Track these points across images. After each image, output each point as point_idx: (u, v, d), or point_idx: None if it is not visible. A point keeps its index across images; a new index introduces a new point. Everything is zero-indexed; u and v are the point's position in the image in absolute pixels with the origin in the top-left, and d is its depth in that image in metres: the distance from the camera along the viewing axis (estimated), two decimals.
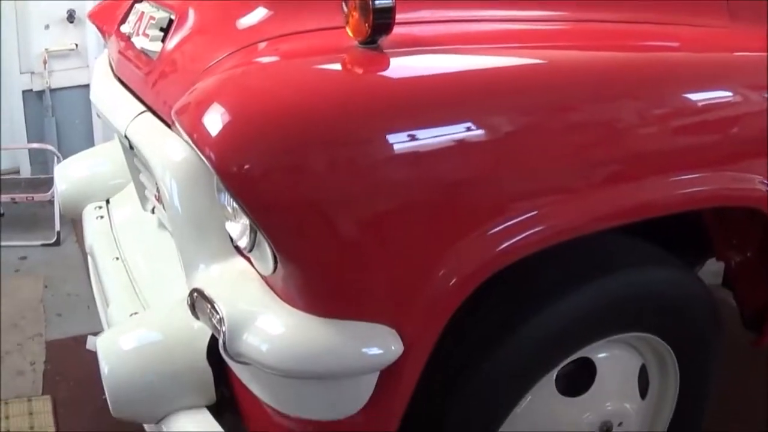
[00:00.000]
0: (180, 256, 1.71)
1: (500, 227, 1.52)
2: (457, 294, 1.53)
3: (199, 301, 1.57)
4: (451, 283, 1.51)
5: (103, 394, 1.72)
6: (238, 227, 1.56)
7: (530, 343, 1.69)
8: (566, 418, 1.85)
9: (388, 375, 1.55)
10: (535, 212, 1.54)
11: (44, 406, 2.71)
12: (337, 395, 1.56)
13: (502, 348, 1.68)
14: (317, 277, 1.47)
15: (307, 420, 1.60)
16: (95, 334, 2.93)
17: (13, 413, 2.65)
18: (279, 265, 1.47)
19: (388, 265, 1.48)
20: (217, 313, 1.50)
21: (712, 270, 2.24)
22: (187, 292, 1.62)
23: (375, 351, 1.50)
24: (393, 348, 1.51)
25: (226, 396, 1.77)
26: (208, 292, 1.55)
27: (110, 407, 1.72)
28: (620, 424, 1.92)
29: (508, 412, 1.77)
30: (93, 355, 2.94)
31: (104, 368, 1.70)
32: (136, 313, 1.97)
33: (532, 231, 1.54)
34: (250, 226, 1.50)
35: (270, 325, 1.49)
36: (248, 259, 1.63)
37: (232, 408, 1.78)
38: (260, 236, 1.48)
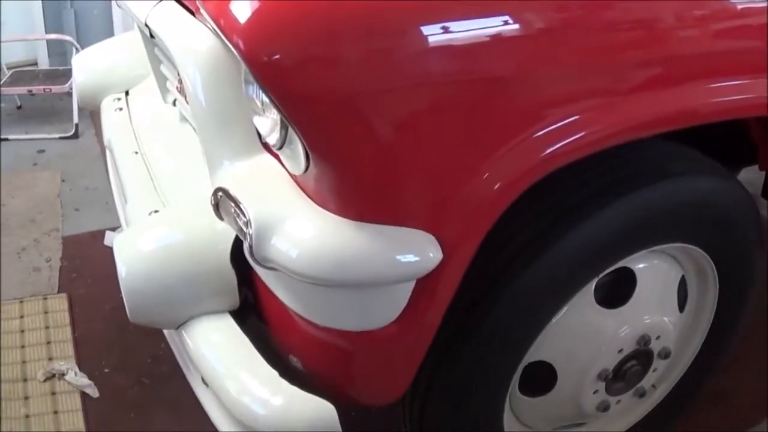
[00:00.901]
0: (203, 152, 1.56)
1: (543, 131, 1.39)
2: (501, 200, 1.40)
3: (223, 201, 1.43)
4: (495, 188, 1.38)
5: (121, 292, 1.60)
6: (268, 122, 1.41)
7: (571, 253, 1.56)
8: (603, 331, 1.73)
9: (425, 284, 1.42)
10: (577, 117, 1.41)
11: (60, 304, 2.59)
12: (370, 305, 1.43)
13: (541, 258, 1.54)
14: (352, 178, 1.33)
15: (338, 330, 1.47)
16: (113, 229, 2.85)
17: (28, 312, 2.55)
18: (311, 163, 1.32)
19: (428, 166, 1.34)
20: (243, 214, 1.36)
21: (744, 179, 2.10)
22: (211, 190, 1.47)
23: (412, 258, 1.37)
24: (431, 255, 1.38)
25: (250, 300, 1.64)
26: (233, 191, 1.41)
27: (127, 312, 1.59)
28: (658, 338, 1.80)
29: (545, 323, 1.64)
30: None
31: (121, 270, 1.57)
32: (156, 212, 1.82)
33: (574, 137, 1.41)
34: (281, 121, 1.34)
35: (300, 229, 1.35)
36: (277, 157, 1.48)
37: (257, 314, 1.65)
38: (291, 132, 1.33)
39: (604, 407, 1.81)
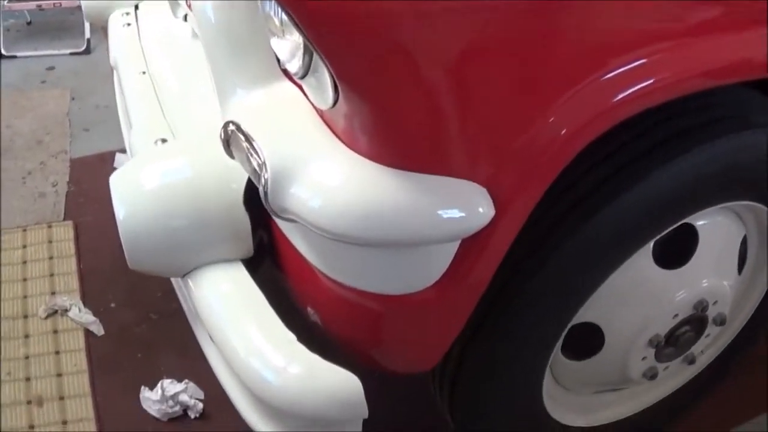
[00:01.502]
0: (213, 78, 1.32)
1: (611, 74, 1.16)
2: (567, 149, 1.17)
3: (235, 137, 1.21)
4: (561, 134, 1.14)
5: None
6: (288, 46, 1.17)
7: (636, 207, 1.34)
8: (660, 293, 1.51)
9: (473, 244, 1.20)
10: (645, 60, 1.17)
11: (65, 233, 2.38)
12: (406, 267, 1.22)
13: (604, 210, 1.32)
14: (390, 116, 1.09)
15: (367, 292, 1.25)
16: (124, 151, 2.60)
17: (31, 241, 2.34)
18: (340, 97, 1.08)
19: (483, 106, 1.11)
20: (258, 154, 1.14)
21: None
22: (221, 123, 1.24)
23: (458, 214, 1.15)
24: (481, 210, 1.15)
25: (266, 244, 1.41)
26: (246, 126, 1.18)
27: (126, 258, 1.38)
28: (715, 303, 1.58)
29: (600, 283, 1.42)
30: None
31: (119, 212, 1.36)
32: (162, 140, 1.59)
33: (643, 84, 1.18)
34: (304, 45, 1.10)
35: (325, 174, 1.13)
36: (300, 87, 1.24)
37: (273, 263, 1.43)
38: (317, 59, 1.09)
39: (651, 375, 1.61)
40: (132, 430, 1.92)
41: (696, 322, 1.58)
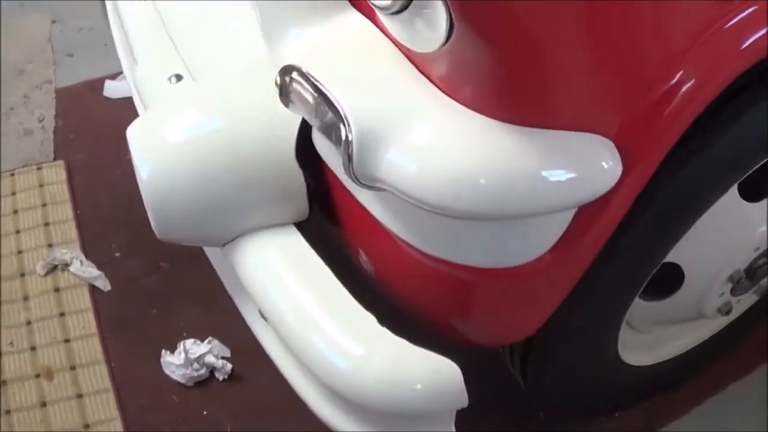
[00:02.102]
0: (257, 7, 1.03)
1: (734, 20, 0.92)
2: (698, 100, 0.93)
3: (297, 87, 0.92)
4: (692, 84, 0.90)
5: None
6: None
7: (743, 140, 1.12)
8: (745, 227, 1.32)
9: (593, 207, 0.95)
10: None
11: (57, 174, 2.08)
12: (515, 237, 0.97)
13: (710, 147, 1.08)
14: (514, 57, 0.82)
15: (463, 265, 1.00)
16: (114, 77, 2.31)
17: (20, 187, 2.04)
18: (453, 36, 0.80)
19: (616, 49, 0.86)
20: (337, 110, 0.85)
21: None
22: (273, 67, 0.96)
23: (588, 173, 0.90)
24: (608, 167, 0.91)
25: (321, 202, 1.16)
26: (315, 72, 0.89)
27: (154, 228, 1.11)
28: None
29: (695, 220, 1.20)
30: (112, 105, 2.34)
31: (142, 173, 1.09)
32: (177, 77, 1.30)
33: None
34: None
35: (430, 132, 0.85)
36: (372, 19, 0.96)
37: (330, 223, 1.17)
38: None
39: (726, 310, 1.43)
40: (156, 400, 1.68)
41: None
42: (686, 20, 0.90)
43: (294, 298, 1.07)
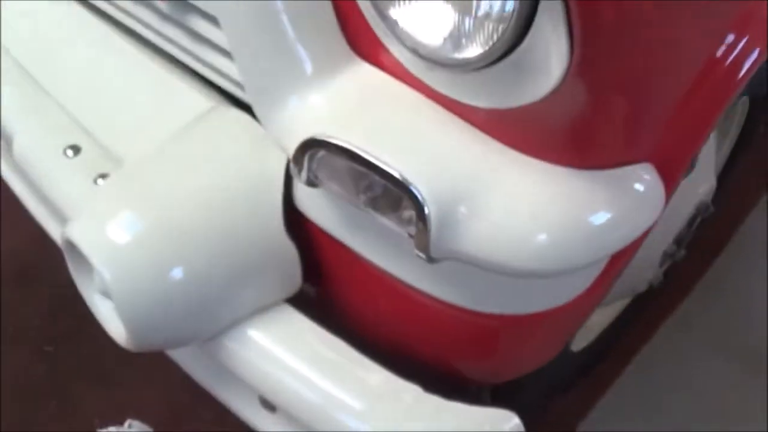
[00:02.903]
0: (244, 66, 0.88)
1: None
2: None
3: (330, 162, 0.80)
4: None
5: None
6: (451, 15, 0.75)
7: None
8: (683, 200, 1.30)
9: None
10: None
11: None
12: (560, 283, 0.90)
13: None
14: (622, 100, 0.75)
15: (496, 315, 0.92)
16: None
17: None
18: (567, 81, 0.70)
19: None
20: (401, 182, 0.74)
21: None
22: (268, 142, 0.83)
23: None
24: (658, 194, 0.86)
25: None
26: (356, 143, 0.77)
27: (128, 341, 0.95)
28: None
29: None
30: None
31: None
32: (73, 148, 1.12)
33: None
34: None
35: (513, 197, 0.76)
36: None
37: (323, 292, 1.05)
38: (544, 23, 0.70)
39: (657, 282, 1.46)
40: None
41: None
42: None
43: (320, 386, 0.94)
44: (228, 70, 0.97)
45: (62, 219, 1.10)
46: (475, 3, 0.71)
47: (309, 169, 0.84)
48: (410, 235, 0.80)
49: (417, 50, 0.77)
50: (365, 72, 0.86)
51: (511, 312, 0.93)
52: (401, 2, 0.76)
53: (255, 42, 0.87)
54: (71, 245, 0.97)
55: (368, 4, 0.79)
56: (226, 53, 0.95)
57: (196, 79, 1.13)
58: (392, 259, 0.92)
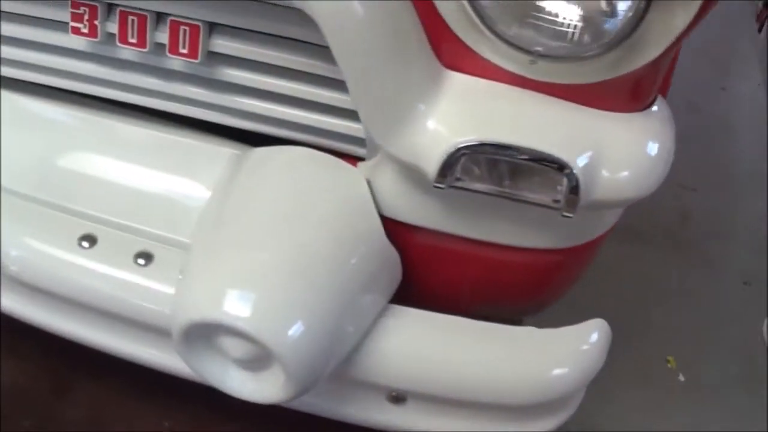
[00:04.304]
0: (358, 88, 0.94)
1: None
2: None
3: (479, 160, 0.93)
4: None
5: None
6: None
7: None
8: None
9: None
10: None
11: None
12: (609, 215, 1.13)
13: None
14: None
15: (561, 248, 1.11)
16: None
17: None
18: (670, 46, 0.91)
19: None
20: (551, 158, 0.91)
21: None
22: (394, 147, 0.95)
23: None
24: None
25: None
26: (495, 138, 0.91)
27: (280, 397, 0.99)
28: None
29: None
30: None
31: (281, 350, 0.95)
32: (87, 238, 1.11)
33: None
34: None
35: (621, 145, 0.97)
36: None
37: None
38: None
39: None
40: None
41: None
42: None
43: (467, 359, 1.07)
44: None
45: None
46: (602, 2, 0.87)
47: (460, 173, 0.94)
48: (555, 202, 0.95)
49: (531, 48, 0.91)
50: (461, 80, 0.96)
51: (572, 244, 1.11)
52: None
53: (376, 81, 0.93)
54: (197, 328, 0.96)
55: (462, 15, 0.91)
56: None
57: (200, 133, 1.13)
58: (485, 227, 1.06)
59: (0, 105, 1.19)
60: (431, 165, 0.93)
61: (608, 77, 0.93)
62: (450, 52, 0.96)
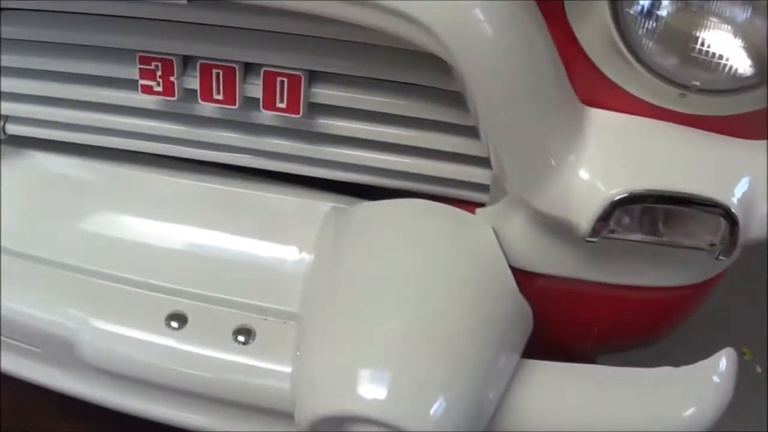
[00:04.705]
0: (498, 139, 0.84)
1: None
2: None
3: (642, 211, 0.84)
4: None
5: None
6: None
7: None
8: None
9: None
10: None
11: None
12: None
13: None
14: None
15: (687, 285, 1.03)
16: None
17: None
18: None
19: None
20: (719, 207, 0.83)
21: None
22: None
23: None
24: None
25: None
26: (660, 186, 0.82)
27: None
28: None
29: None
30: None
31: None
32: (175, 317, 0.99)
33: None
34: None
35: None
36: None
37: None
38: None
39: None
40: None
41: None
42: None
43: (611, 409, 0.98)
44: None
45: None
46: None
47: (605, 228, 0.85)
48: (711, 245, 0.87)
49: (688, 83, 0.82)
50: (603, 119, 0.86)
51: (704, 279, 1.03)
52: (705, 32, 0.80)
53: (521, 130, 0.83)
54: (329, 420, 0.86)
55: (607, 47, 0.82)
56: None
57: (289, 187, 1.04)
58: (623, 270, 0.97)
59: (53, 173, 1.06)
60: (584, 220, 0.84)
61: (764, 106, 0.84)
62: (587, 85, 0.87)
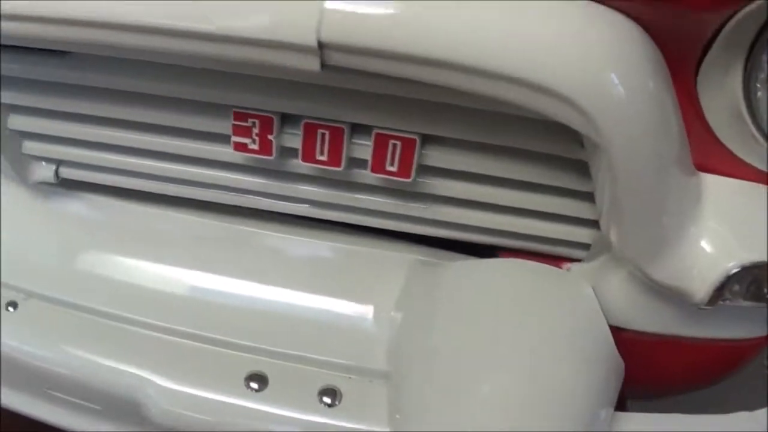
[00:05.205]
0: (620, 209, 0.84)
1: None
2: None
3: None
4: None
5: None
6: None
7: None
8: None
9: None
10: None
11: None
12: None
13: None
14: None
15: (749, 338, 1.06)
16: None
17: None
18: None
19: None
20: None
21: None
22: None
23: None
24: None
25: None
26: None
27: None
28: None
29: None
30: None
31: None
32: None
33: None
34: None
35: None
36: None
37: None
38: None
39: None
40: None
41: None
42: None
43: None
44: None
45: None
46: None
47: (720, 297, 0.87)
48: None
49: None
50: (717, 186, 0.87)
51: (756, 335, 1.07)
52: None
53: (647, 202, 0.83)
54: None
55: (735, 127, 0.83)
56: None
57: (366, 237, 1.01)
58: (715, 327, 0.99)
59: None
60: (702, 290, 0.86)
61: None
62: (702, 152, 0.87)
